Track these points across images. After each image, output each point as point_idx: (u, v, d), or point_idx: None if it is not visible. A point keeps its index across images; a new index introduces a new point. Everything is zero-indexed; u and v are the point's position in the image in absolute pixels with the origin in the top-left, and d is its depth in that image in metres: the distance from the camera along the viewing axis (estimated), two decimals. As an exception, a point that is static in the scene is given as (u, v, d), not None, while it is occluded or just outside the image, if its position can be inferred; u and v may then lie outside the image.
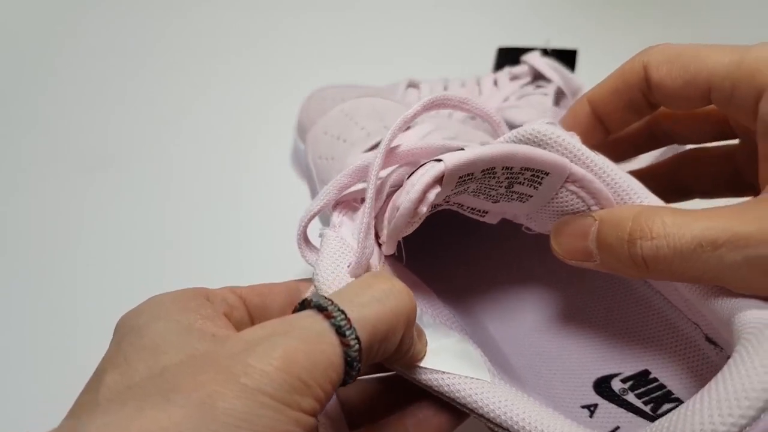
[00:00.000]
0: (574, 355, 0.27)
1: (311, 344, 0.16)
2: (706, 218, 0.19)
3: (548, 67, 0.40)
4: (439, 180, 0.20)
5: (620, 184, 0.22)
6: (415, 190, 0.19)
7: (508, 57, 0.46)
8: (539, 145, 0.22)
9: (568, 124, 0.26)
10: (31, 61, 0.61)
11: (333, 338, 0.16)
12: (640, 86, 0.24)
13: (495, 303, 0.29)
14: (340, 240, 0.21)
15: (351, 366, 0.16)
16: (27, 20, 0.66)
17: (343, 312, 0.16)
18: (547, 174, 0.21)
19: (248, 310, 0.22)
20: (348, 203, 0.23)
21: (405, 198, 0.19)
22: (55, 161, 0.51)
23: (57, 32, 0.64)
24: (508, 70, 0.41)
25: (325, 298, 0.17)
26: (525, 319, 0.28)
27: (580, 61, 0.46)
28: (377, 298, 0.18)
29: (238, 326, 0.20)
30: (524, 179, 0.22)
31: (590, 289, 0.27)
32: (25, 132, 0.53)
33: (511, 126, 0.37)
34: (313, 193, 0.36)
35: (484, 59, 0.49)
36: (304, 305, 0.17)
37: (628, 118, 0.25)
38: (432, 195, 0.20)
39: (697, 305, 0.22)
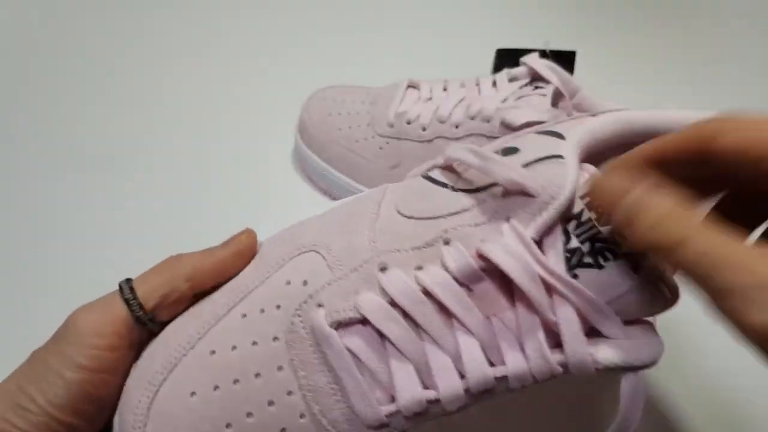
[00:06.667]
0: None
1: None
2: None
3: (547, 68, 0.40)
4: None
5: None
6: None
7: (507, 58, 0.46)
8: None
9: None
10: (32, 61, 0.61)
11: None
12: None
13: None
14: None
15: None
16: (28, 21, 0.67)
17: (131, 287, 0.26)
18: None
19: None
20: None
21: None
22: (55, 161, 0.51)
23: (58, 32, 0.65)
24: (506, 72, 0.42)
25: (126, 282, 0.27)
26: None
27: (579, 62, 0.46)
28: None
29: None
30: None
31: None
32: (24, 132, 0.54)
33: (509, 127, 0.38)
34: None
35: (484, 60, 0.50)
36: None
37: None
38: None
39: None
